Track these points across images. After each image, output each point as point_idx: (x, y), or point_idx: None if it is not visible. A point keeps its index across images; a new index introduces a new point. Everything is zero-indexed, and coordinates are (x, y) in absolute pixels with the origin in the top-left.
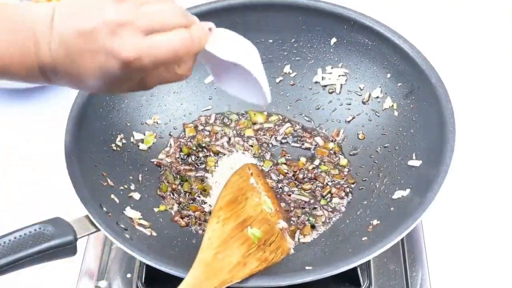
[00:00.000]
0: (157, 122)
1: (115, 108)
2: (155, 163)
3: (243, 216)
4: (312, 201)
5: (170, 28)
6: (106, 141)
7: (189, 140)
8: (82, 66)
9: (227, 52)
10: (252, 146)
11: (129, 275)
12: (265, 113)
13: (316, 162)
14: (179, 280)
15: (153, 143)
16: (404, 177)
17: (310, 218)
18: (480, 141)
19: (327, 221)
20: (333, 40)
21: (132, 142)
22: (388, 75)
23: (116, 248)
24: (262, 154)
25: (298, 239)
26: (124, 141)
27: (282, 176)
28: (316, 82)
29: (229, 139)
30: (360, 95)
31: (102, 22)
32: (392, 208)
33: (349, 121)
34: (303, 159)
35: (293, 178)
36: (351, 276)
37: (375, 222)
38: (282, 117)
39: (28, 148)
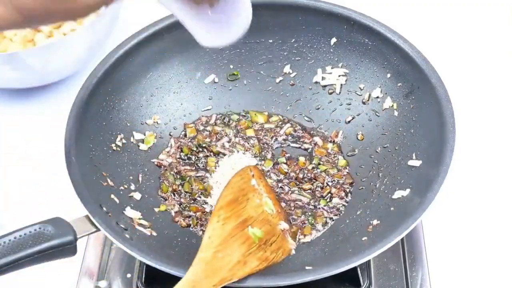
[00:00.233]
0: (157, 122)
1: (115, 108)
2: (155, 163)
3: (243, 216)
4: (312, 201)
5: None
6: (106, 141)
7: (189, 140)
8: None
9: None
10: (253, 146)
11: (129, 275)
12: (266, 113)
13: (315, 161)
14: (179, 280)
15: (153, 143)
16: (404, 177)
17: (310, 218)
18: (480, 141)
19: (327, 221)
20: (333, 40)
21: (132, 142)
22: (388, 75)
23: (116, 248)
24: (263, 154)
25: (298, 239)
26: (124, 141)
27: (283, 176)
28: (316, 82)
29: (230, 139)
30: (360, 95)
31: None
32: (392, 208)
33: (349, 121)
34: (302, 159)
35: (293, 178)
36: (351, 276)
37: (375, 222)
38: (283, 117)
39: (28, 148)
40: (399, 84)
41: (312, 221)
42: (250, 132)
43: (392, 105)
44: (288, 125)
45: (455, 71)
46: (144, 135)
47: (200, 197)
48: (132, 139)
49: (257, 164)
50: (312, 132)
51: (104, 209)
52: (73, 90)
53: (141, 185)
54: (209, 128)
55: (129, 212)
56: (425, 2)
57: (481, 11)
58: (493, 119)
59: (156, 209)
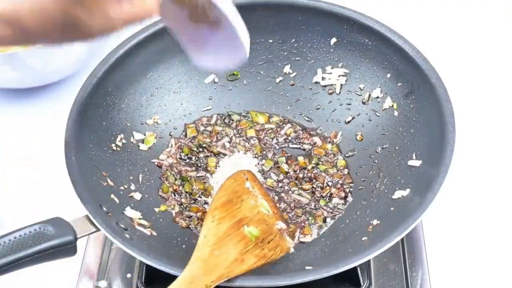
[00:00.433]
0: (157, 122)
1: (115, 108)
2: (156, 163)
3: (239, 216)
4: (312, 201)
5: None
6: (106, 141)
7: (190, 140)
8: None
9: None
10: (253, 146)
11: (129, 275)
12: (267, 113)
13: (314, 161)
14: None
15: (154, 143)
16: (404, 177)
17: (310, 218)
18: (480, 141)
19: (327, 221)
20: (333, 40)
21: (132, 142)
22: (388, 75)
23: (116, 248)
24: (264, 153)
25: (298, 238)
26: (124, 141)
27: (283, 176)
28: (316, 82)
29: (230, 139)
30: (360, 95)
31: None
32: (392, 208)
33: (349, 121)
34: (301, 158)
35: (293, 177)
36: (351, 276)
37: (375, 222)
38: (283, 118)
39: (28, 148)
40: (399, 84)
41: (312, 221)
42: (251, 132)
43: (392, 105)
44: (289, 125)
45: (455, 71)
46: (144, 135)
47: (200, 197)
48: (132, 139)
49: (257, 164)
50: (311, 132)
51: (104, 209)
52: (73, 90)
53: (141, 185)
54: (209, 128)
55: (129, 212)
56: (425, 2)
57: (481, 11)
58: (493, 119)
59: (157, 209)
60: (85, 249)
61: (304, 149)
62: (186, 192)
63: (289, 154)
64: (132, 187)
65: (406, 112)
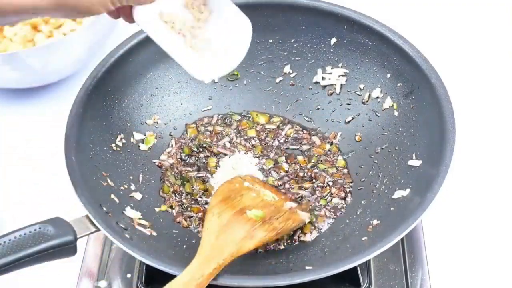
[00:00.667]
0: (157, 122)
1: (115, 108)
2: (157, 164)
3: (240, 206)
4: (312, 200)
5: None
6: (106, 141)
7: (190, 140)
8: None
9: None
10: (254, 146)
11: (129, 275)
12: (267, 114)
13: (314, 159)
14: None
15: (154, 143)
16: (404, 177)
17: (312, 217)
18: (480, 141)
19: (327, 220)
20: (333, 40)
21: (132, 142)
22: (388, 75)
23: (116, 248)
24: (264, 153)
25: (298, 237)
26: (124, 141)
27: (283, 173)
28: (316, 82)
29: (231, 139)
30: (360, 95)
31: None
32: (392, 208)
33: (349, 121)
34: (300, 157)
35: (293, 175)
36: (351, 276)
37: (375, 222)
38: (284, 118)
39: (28, 148)
40: (399, 84)
41: (312, 219)
42: (251, 133)
43: (392, 105)
44: (289, 126)
45: (455, 71)
46: (144, 135)
47: (201, 197)
48: (132, 139)
49: (258, 163)
50: (312, 132)
51: (104, 209)
52: (73, 90)
53: (141, 185)
54: (210, 128)
55: (129, 212)
56: (425, 2)
57: (481, 11)
58: (493, 119)
59: (157, 209)
60: (85, 249)
61: (303, 150)
62: (187, 192)
63: (288, 153)
64: (132, 187)
65: (406, 112)
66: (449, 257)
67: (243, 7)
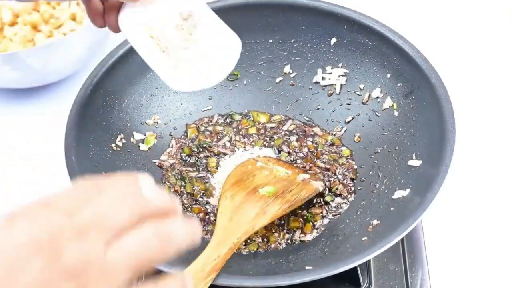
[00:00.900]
0: (157, 122)
1: (115, 108)
2: (157, 164)
3: (252, 186)
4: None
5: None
6: (106, 141)
7: (190, 140)
8: None
9: None
10: (254, 142)
11: None
12: (268, 113)
13: (320, 147)
14: None
15: (154, 143)
16: (404, 177)
17: (309, 215)
18: (480, 141)
19: (327, 220)
20: (333, 40)
21: (132, 142)
22: (388, 75)
23: None
24: (268, 142)
25: (299, 237)
26: (124, 141)
27: (295, 150)
28: (316, 82)
29: (231, 138)
30: (360, 95)
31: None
32: (392, 208)
33: (349, 121)
34: (309, 142)
35: (305, 155)
36: (351, 276)
37: (375, 222)
38: (285, 116)
39: (28, 148)
40: (399, 84)
41: (310, 217)
42: (252, 131)
43: (392, 105)
44: (290, 121)
45: (455, 71)
46: (145, 135)
47: (202, 197)
48: (132, 139)
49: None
50: (314, 128)
51: None
52: (73, 90)
53: None
54: (210, 128)
55: None
56: (425, 2)
57: (481, 11)
58: (493, 119)
59: None
60: None
61: (306, 145)
62: (187, 192)
63: (298, 135)
64: None
65: (406, 112)
66: (449, 257)
67: (243, 7)
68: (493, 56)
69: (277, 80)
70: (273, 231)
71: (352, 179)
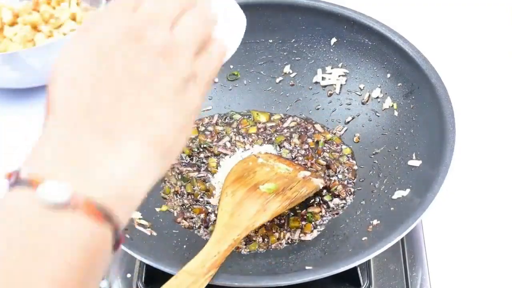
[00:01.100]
0: None
1: None
2: None
3: (253, 182)
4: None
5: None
6: None
7: (190, 141)
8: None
9: None
10: (254, 141)
11: (129, 275)
12: (268, 113)
13: (321, 144)
14: None
15: None
16: (404, 177)
17: (309, 215)
18: (480, 141)
19: (327, 219)
20: (333, 40)
21: None
22: (388, 75)
23: None
24: (268, 139)
25: (299, 237)
26: None
27: (296, 147)
28: (316, 82)
29: (231, 138)
30: (360, 95)
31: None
32: (392, 208)
33: (349, 122)
34: (309, 139)
35: (306, 152)
36: (351, 276)
37: (375, 222)
38: (284, 115)
39: (28, 148)
40: (399, 84)
41: (310, 217)
42: (252, 130)
43: (392, 105)
44: (291, 118)
45: (455, 71)
46: None
47: (202, 198)
48: None
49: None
50: (315, 125)
51: None
52: None
53: None
54: (210, 128)
55: None
56: (425, 2)
57: (481, 11)
58: (493, 119)
59: (157, 209)
60: None
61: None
62: (188, 193)
63: (300, 133)
64: None
65: (406, 112)
66: (449, 257)
67: (243, 7)
68: (493, 56)
69: (277, 80)
70: (274, 230)
71: (351, 180)
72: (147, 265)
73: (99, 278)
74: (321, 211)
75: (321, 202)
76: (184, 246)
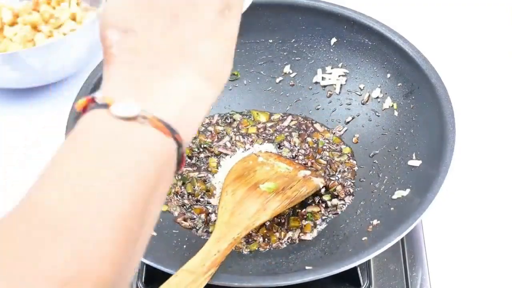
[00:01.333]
0: None
1: None
2: None
3: (253, 181)
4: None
5: None
6: None
7: (190, 141)
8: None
9: None
10: (254, 141)
11: None
12: (268, 113)
13: (320, 144)
14: None
15: None
16: (404, 177)
17: (308, 214)
18: (480, 141)
19: (326, 219)
20: (333, 40)
21: None
22: (388, 75)
23: None
24: (268, 138)
25: (299, 237)
26: None
27: (297, 146)
28: (316, 83)
29: (231, 138)
30: (360, 95)
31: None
32: (392, 208)
33: (349, 122)
34: (309, 139)
35: (306, 151)
36: (351, 276)
37: (375, 222)
38: (284, 114)
39: (28, 148)
40: (399, 84)
41: (310, 217)
42: (253, 130)
43: (392, 105)
44: (290, 117)
45: (455, 71)
46: None
47: (203, 198)
48: None
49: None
50: (314, 124)
51: None
52: (73, 90)
53: None
54: (210, 128)
55: None
56: (425, 2)
57: (481, 11)
58: (493, 119)
59: None
60: None
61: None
62: (188, 193)
63: (299, 132)
64: None
65: (406, 112)
66: (449, 257)
67: None
68: (493, 56)
69: (277, 80)
70: (274, 230)
71: (351, 180)
72: (147, 265)
73: (163, 196)
74: (320, 210)
75: (320, 201)
76: (184, 246)
